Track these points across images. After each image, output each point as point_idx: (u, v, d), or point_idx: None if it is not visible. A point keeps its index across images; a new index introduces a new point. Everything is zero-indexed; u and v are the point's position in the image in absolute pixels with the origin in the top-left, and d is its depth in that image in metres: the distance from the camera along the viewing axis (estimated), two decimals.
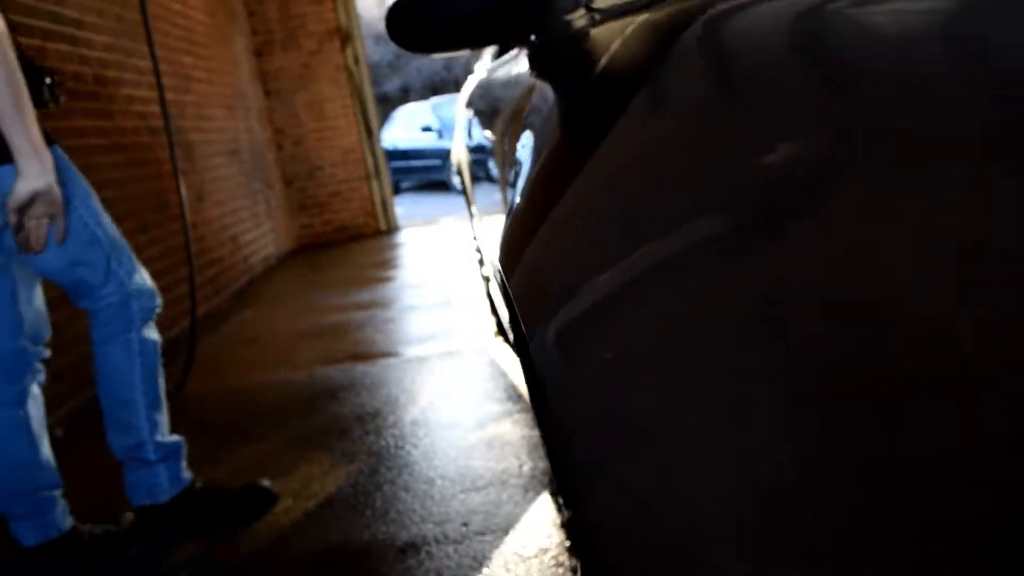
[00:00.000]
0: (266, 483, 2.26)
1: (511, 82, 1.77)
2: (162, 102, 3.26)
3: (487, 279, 3.34)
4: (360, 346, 3.85)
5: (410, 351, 3.64)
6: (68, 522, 1.97)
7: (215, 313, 5.02)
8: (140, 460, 2.04)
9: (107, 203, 2.03)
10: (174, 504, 2.08)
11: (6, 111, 1.58)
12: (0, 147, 1.64)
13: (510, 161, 1.30)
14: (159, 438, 2.04)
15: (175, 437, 2.10)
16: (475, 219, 3.50)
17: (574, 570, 1.73)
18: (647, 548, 0.66)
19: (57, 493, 1.95)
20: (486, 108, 2.64)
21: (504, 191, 2.19)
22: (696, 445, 0.54)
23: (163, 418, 2.05)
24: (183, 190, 3.49)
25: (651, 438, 0.60)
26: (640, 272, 0.57)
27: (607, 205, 0.62)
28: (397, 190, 13.79)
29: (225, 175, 5.85)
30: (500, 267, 0.94)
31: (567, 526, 1.90)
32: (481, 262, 3.47)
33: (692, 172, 0.52)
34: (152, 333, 2.02)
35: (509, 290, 0.83)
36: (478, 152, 2.87)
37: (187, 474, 2.12)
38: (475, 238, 3.66)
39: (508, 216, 1.04)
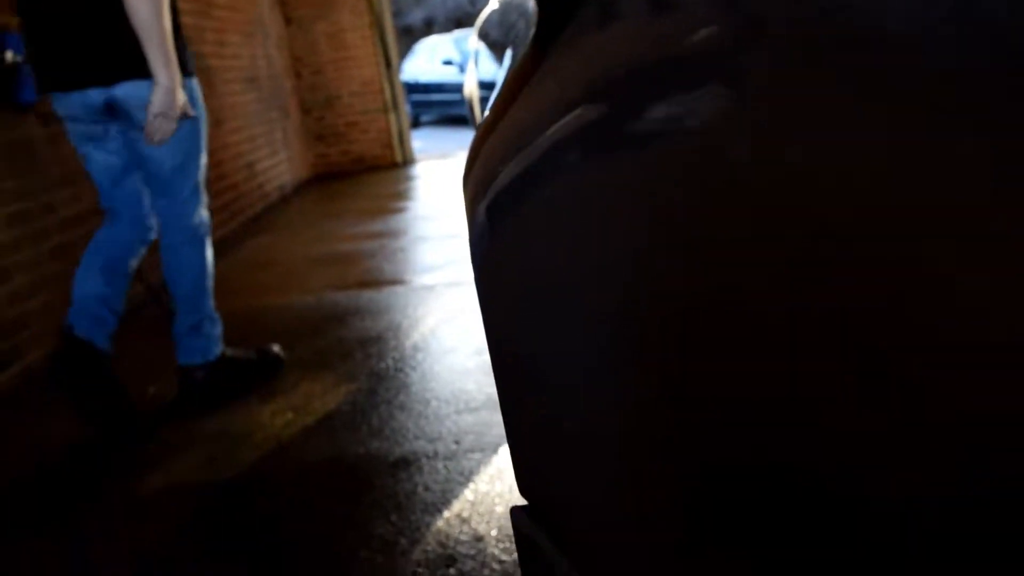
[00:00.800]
0: (276, 348, 2.73)
1: (525, 10, 1.78)
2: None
3: None
4: (369, 274, 3.91)
5: (417, 279, 3.69)
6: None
7: (229, 238, 5.09)
8: (199, 331, 2.48)
9: None
10: (217, 362, 2.53)
11: (148, 25, 2.02)
12: (141, 64, 2.11)
13: None
14: (213, 314, 2.52)
15: (218, 315, 2.57)
16: None
17: None
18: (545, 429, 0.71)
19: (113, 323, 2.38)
20: (498, 39, 2.65)
21: None
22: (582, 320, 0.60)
23: (212, 301, 2.53)
24: None
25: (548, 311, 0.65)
26: (539, 155, 0.62)
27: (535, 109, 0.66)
28: (417, 123, 13.74)
29: (242, 102, 5.86)
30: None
31: None
32: None
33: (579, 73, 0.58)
34: (208, 246, 2.50)
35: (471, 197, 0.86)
36: (487, 88, 2.86)
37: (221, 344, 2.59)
38: None
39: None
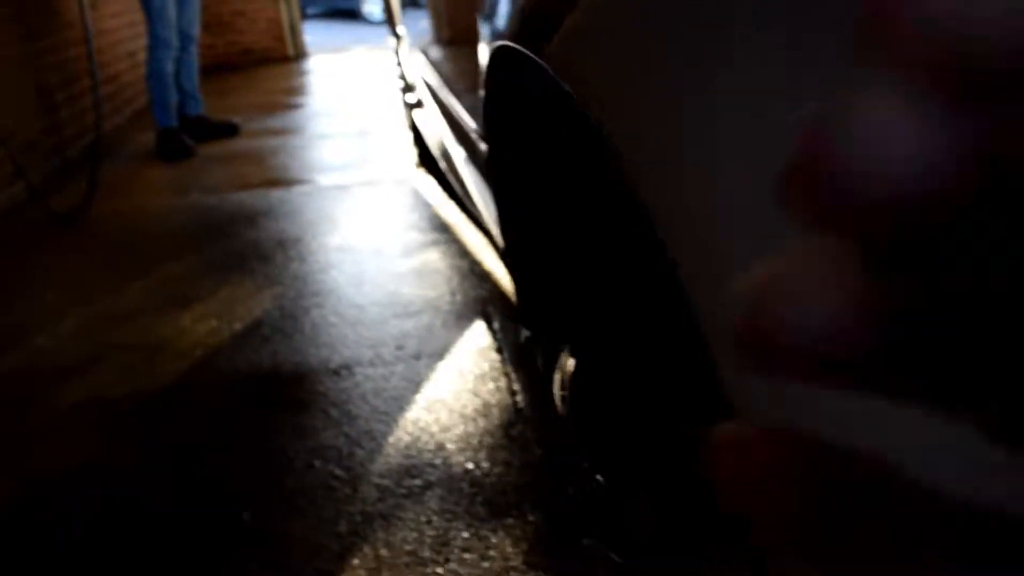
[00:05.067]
0: (236, 120, 4.52)
1: None
2: None
3: (411, 106, 3.22)
4: (275, 172, 3.71)
5: (328, 179, 3.52)
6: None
7: (115, 133, 4.73)
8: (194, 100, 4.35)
9: None
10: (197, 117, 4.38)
11: None
12: None
13: None
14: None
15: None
16: (401, 43, 3.34)
17: (512, 392, 1.75)
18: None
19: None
20: None
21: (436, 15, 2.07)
22: None
23: None
24: None
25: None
26: None
27: None
28: (303, 16, 13.07)
29: None
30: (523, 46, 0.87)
31: (505, 350, 1.91)
32: (406, 89, 3.33)
33: None
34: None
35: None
36: None
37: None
38: (400, 64, 3.50)
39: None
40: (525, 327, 1.26)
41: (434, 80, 2.16)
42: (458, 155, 1.91)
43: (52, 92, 3.99)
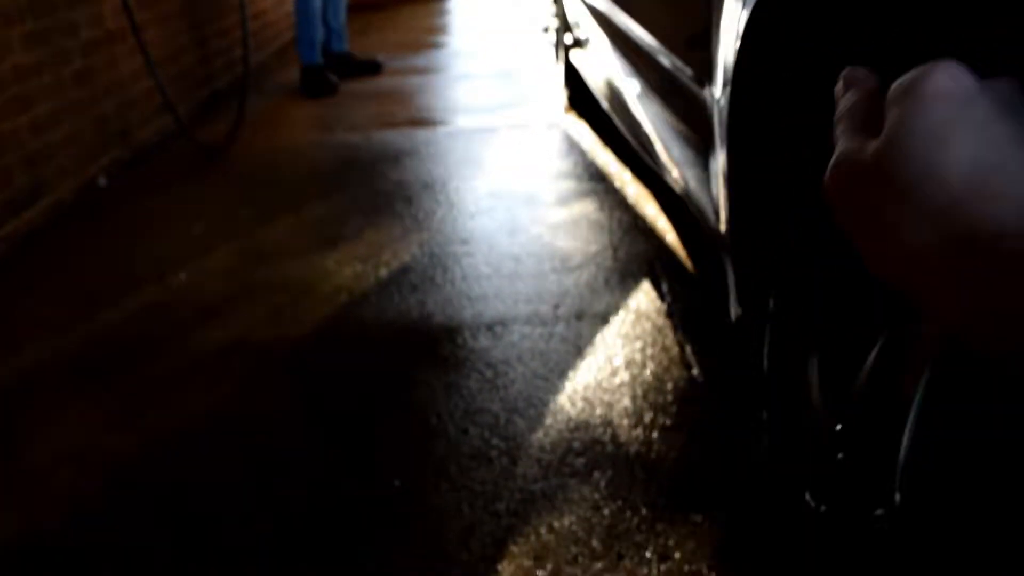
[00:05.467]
0: (380, 58, 4.48)
1: None
2: None
3: (569, 46, 3.01)
4: (420, 112, 3.57)
5: (473, 121, 3.36)
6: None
7: (259, 70, 4.70)
8: (340, 37, 4.30)
9: None
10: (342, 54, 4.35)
11: None
12: None
13: None
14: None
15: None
16: None
17: (687, 364, 1.56)
18: None
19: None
20: None
21: None
22: None
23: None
24: None
25: None
26: None
27: None
28: None
29: None
30: None
31: (677, 314, 1.71)
32: (563, 28, 3.13)
33: None
34: None
35: None
36: None
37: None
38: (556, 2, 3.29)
39: None
40: (739, 306, 1.07)
41: (615, 16, 1.94)
42: (637, 97, 1.70)
43: (202, 25, 3.96)
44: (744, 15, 0.86)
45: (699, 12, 1.11)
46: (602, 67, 2.23)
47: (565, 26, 3.05)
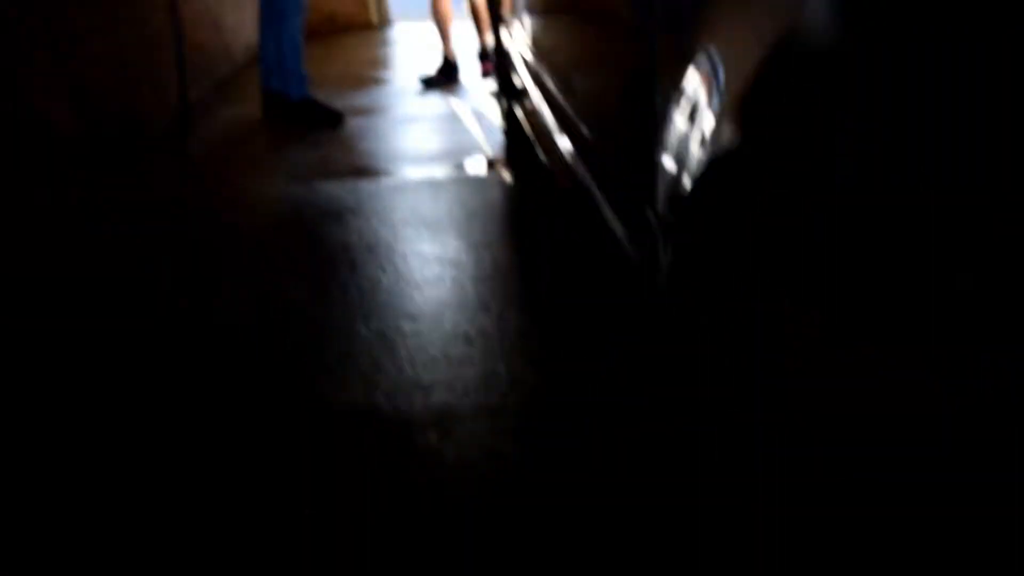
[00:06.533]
0: (338, 109, 4.13)
1: None
2: None
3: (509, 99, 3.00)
4: (364, 159, 3.52)
5: (418, 171, 3.32)
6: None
7: (197, 106, 4.60)
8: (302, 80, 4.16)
9: None
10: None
11: None
12: None
13: None
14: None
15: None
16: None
17: None
18: None
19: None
20: None
21: None
22: None
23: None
24: None
25: None
26: None
27: None
28: None
29: None
30: None
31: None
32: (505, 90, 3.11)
33: None
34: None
35: None
36: None
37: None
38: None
39: None
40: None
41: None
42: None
43: (132, 63, 3.85)
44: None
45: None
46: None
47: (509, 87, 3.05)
